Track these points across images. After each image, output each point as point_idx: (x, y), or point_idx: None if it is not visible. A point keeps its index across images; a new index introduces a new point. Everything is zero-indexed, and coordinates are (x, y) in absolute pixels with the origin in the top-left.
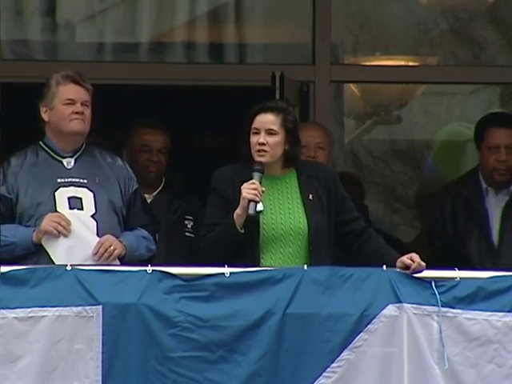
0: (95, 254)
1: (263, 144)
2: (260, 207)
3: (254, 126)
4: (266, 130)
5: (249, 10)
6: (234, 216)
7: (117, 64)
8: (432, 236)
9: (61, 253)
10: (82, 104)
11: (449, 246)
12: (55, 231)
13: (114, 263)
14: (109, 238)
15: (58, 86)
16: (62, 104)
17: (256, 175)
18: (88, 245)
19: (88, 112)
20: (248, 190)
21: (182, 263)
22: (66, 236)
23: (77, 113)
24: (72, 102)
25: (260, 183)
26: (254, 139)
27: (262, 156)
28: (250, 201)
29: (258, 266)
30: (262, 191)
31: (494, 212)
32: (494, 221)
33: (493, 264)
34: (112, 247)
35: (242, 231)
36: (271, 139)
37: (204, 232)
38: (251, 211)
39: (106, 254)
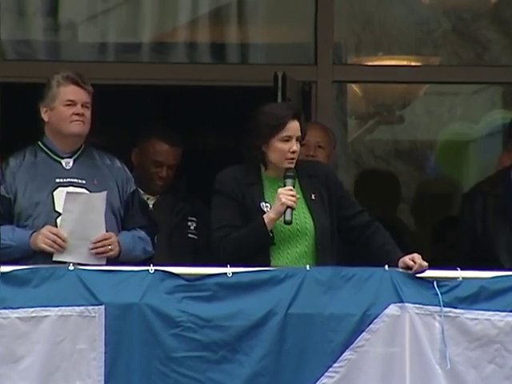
0: (94, 242)
1: (295, 152)
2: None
3: (286, 133)
4: (296, 137)
5: (251, 10)
6: (266, 220)
7: (119, 64)
8: (461, 236)
9: (69, 221)
10: (82, 105)
11: (478, 245)
12: (50, 249)
13: (100, 261)
14: (113, 237)
15: (58, 87)
16: (62, 105)
17: (289, 181)
18: (96, 225)
19: (88, 113)
20: (287, 196)
21: (186, 264)
22: (61, 253)
23: (77, 114)
24: (72, 104)
25: (294, 187)
26: (285, 146)
27: (291, 163)
28: (287, 207)
29: (268, 266)
30: (298, 198)
31: None
32: None
33: None
34: (110, 247)
35: (271, 235)
36: (298, 146)
37: (221, 233)
38: (288, 217)
39: (101, 250)
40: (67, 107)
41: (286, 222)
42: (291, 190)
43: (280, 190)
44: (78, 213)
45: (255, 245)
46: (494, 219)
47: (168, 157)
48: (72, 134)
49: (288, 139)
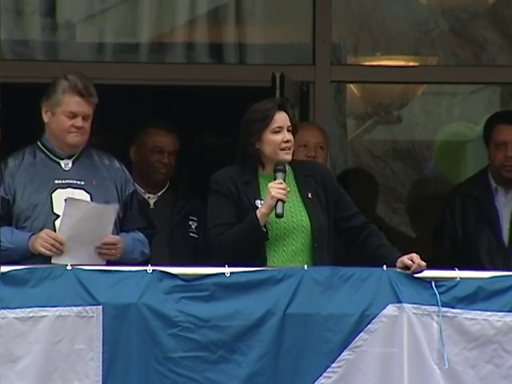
0: (103, 243)
1: (289, 141)
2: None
3: (275, 125)
4: (287, 128)
5: (249, 11)
6: (259, 215)
7: (117, 64)
8: (441, 236)
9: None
10: (83, 118)
11: (459, 246)
12: (49, 252)
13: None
14: (120, 243)
15: (63, 95)
16: (63, 115)
17: (280, 175)
18: (102, 233)
19: (88, 125)
20: (277, 189)
21: (187, 263)
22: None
23: (76, 127)
24: (74, 116)
25: (284, 182)
26: (277, 138)
27: (288, 154)
28: (278, 200)
29: (264, 264)
30: (288, 191)
31: (503, 211)
32: (503, 220)
33: (503, 263)
34: (114, 251)
35: (265, 230)
36: (291, 136)
37: (217, 231)
38: (279, 210)
39: (106, 252)
40: (68, 118)
41: (277, 216)
42: (281, 183)
43: (270, 184)
44: (79, 218)
45: (249, 240)
46: (473, 221)
47: (167, 142)
48: (68, 145)
49: (279, 130)
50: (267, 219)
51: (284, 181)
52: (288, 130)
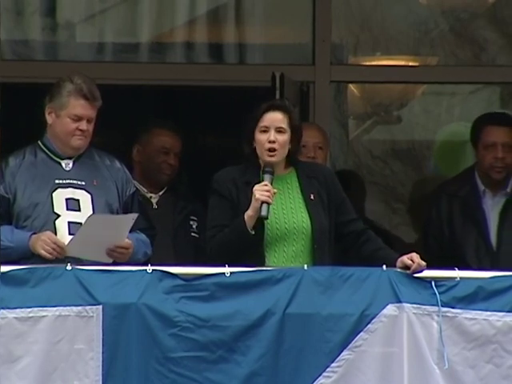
0: (116, 246)
1: (274, 142)
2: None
3: (262, 124)
4: (276, 128)
5: (249, 10)
6: (245, 217)
7: (117, 64)
8: (427, 236)
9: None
10: (87, 121)
11: (445, 246)
12: (49, 256)
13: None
14: (131, 248)
15: (69, 97)
16: (68, 117)
17: (267, 177)
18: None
19: (91, 128)
20: (261, 191)
21: (191, 263)
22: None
23: (81, 130)
24: (78, 119)
25: (271, 185)
26: (263, 137)
27: (272, 156)
28: (262, 202)
29: (263, 265)
30: (274, 193)
31: (491, 213)
32: (491, 222)
33: (491, 265)
34: (121, 255)
35: (253, 232)
36: (281, 137)
37: (211, 233)
38: (264, 213)
39: (116, 255)
40: (72, 121)
41: (261, 218)
42: (266, 185)
43: (255, 187)
44: (97, 229)
45: (237, 243)
46: (460, 221)
47: (174, 143)
48: (72, 148)
49: (265, 130)
50: (267, 220)
51: (271, 183)
52: (279, 131)
